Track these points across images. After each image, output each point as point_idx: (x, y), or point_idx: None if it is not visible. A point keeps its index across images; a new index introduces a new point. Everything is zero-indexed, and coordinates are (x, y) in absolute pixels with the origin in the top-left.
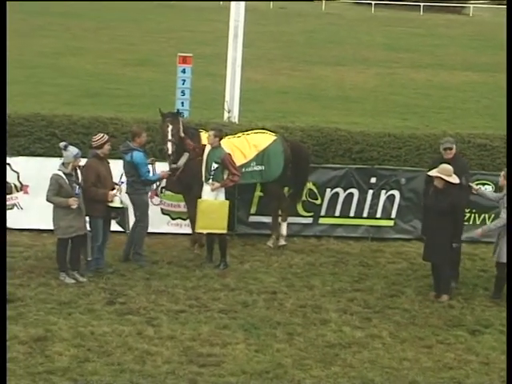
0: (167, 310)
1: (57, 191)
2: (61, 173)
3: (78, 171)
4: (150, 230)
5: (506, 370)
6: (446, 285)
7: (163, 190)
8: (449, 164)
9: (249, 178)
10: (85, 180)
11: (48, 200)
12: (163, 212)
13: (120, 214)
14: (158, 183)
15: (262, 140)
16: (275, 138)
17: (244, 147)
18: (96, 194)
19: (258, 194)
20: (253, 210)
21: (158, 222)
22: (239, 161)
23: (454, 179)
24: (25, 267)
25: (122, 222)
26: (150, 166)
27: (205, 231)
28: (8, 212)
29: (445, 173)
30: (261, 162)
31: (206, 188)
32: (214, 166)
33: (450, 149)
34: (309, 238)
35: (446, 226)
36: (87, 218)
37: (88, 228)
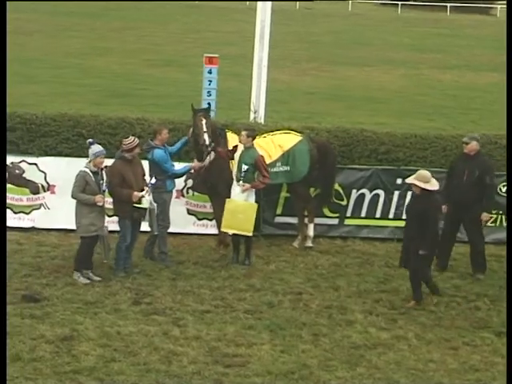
0: (193, 311)
1: (82, 188)
2: (87, 170)
3: (104, 170)
4: (176, 230)
5: (506, 370)
6: (416, 291)
7: (189, 190)
8: (470, 161)
9: (274, 178)
10: (110, 181)
11: (73, 196)
12: (189, 212)
13: (143, 214)
14: (185, 183)
15: (288, 140)
16: (301, 138)
17: (269, 147)
18: (121, 194)
19: (283, 194)
20: (279, 211)
21: (184, 223)
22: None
23: (431, 185)
24: (51, 267)
25: (150, 223)
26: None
27: (229, 231)
28: (35, 212)
29: (421, 179)
30: (286, 163)
31: (237, 189)
32: (245, 167)
33: (466, 143)
34: (334, 239)
35: (417, 233)
36: (113, 218)
37: (110, 228)
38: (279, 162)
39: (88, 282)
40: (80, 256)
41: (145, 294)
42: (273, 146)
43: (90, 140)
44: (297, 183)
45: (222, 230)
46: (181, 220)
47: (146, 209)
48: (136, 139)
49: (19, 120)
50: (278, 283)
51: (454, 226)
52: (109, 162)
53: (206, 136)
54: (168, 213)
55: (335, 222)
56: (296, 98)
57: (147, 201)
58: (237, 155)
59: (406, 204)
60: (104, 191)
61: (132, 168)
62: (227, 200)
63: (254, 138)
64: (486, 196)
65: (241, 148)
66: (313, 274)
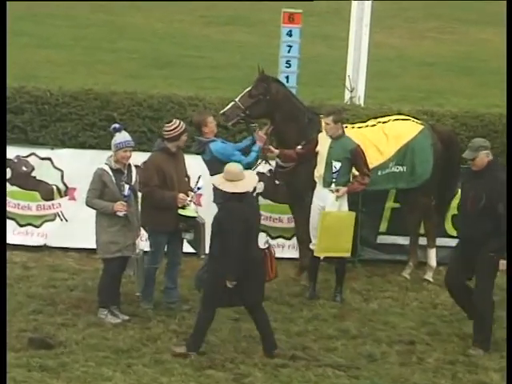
0: (263, 364)
1: (99, 192)
2: (107, 167)
3: (133, 168)
4: None
5: (506, 370)
6: (268, 342)
7: (259, 196)
8: (477, 180)
9: (385, 182)
10: (146, 181)
11: (88, 203)
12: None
13: (191, 226)
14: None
15: (405, 130)
16: (422, 127)
17: (380, 140)
18: (162, 197)
19: (390, 204)
20: (383, 228)
21: None
22: (374, 160)
23: (232, 187)
24: (70, 300)
25: (196, 241)
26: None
27: (325, 255)
28: (48, 225)
29: (226, 177)
30: (402, 162)
31: (325, 195)
32: (337, 165)
33: (472, 159)
34: None
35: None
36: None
37: (145, 247)
38: (393, 160)
39: (119, 321)
40: (102, 286)
41: None
42: (385, 139)
43: (116, 125)
44: (415, 190)
45: (318, 255)
46: None
47: (194, 218)
48: (182, 124)
49: (28, 98)
50: (382, 328)
51: (464, 270)
52: (144, 156)
53: (229, 106)
54: None
55: None
56: (409, 70)
57: (194, 209)
58: (323, 151)
59: None
60: (126, 197)
61: (175, 164)
62: (323, 213)
63: (342, 123)
64: (498, 231)
65: (324, 139)
66: (430, 315)
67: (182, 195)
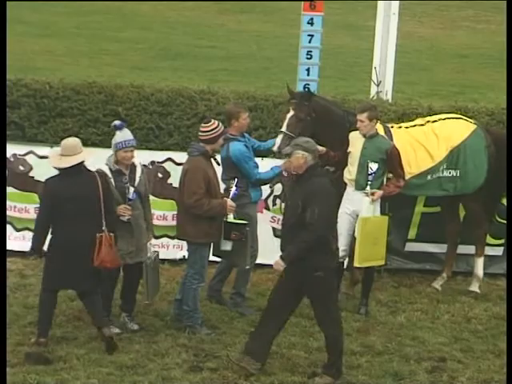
0: (280, 382)
1: None
2: (106, 168)
3: (138, 169)
4: (257, 260)
5: (506, 369)
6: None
7: (277, 199)
8: (295, 186)
9: (436, 188)
10: (195, 189)
11: None
12: (276, 234)
13: (245, 233)
14: (271, 189)
15: (457, 131)
16: (475, 126)
17: (430, 142)
18: (210, 207)
19: (420, 209)
20: (412, 234)
21: (268, 250)
22: (424, 164)
23: (60, 162)
24: (70, 312)
25: (237, 252)
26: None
27: (366, 265)
28: None
29: (60, 151)
30: (455, 165)
31: (358, 198)
32: (374, 166)
33: (288, 155)
34: (497, 278)
35: None
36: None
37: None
38: (444, 163)
39: (117, 331)
40: (102, 292)
41: (208, 356)
42: (435, 141)
43: (117, 122)
44: (463, 195)
45: (359, 265)
46: (264, 245)
47: (246, 225)
48: (221, 125)
49: (26, 91)
50: (410, 344)
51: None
52: (156, 156)
53: (278, 138)
54: (256, 235)
55: (498, 252)
56: (441, 62)
57: (234, 216)
58: (355, 151)
59: None
60: (131, 200)
61: (213, 168)
62: (362, 219)
63: (377, 121)
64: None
65: (357, 138)
66: (463, 330)
67: (230, 202)
